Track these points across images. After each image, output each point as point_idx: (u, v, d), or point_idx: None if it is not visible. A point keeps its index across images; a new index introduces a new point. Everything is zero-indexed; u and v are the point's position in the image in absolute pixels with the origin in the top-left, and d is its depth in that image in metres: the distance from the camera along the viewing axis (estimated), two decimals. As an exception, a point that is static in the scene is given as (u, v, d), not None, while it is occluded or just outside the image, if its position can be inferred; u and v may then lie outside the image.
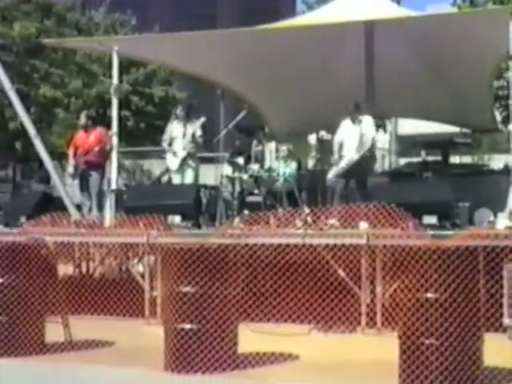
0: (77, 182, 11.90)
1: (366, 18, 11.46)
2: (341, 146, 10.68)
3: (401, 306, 5.90)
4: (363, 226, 7.55)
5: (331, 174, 10.76)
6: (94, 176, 11.56)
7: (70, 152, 11.97)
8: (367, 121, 10.52)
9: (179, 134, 11.45)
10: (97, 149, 11.55)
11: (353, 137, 10.45)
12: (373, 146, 10.82)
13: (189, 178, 11.47)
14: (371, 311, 6.98)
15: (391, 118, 22.31)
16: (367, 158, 10.61)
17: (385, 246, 6.85)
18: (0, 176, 27.68)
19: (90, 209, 11.41)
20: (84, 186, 11.63)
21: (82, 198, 11.64)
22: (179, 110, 11.76)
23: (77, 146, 11.88)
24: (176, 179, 11.53)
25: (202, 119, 11.48)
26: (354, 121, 10.53)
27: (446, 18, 12.62)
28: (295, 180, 11.92)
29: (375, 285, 6.97)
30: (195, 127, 11.44)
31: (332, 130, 11.32)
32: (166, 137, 11.70)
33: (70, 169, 11.86)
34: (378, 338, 6.77)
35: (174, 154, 11.40)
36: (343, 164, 10.53)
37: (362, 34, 12.26)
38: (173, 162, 11.51)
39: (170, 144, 11.55)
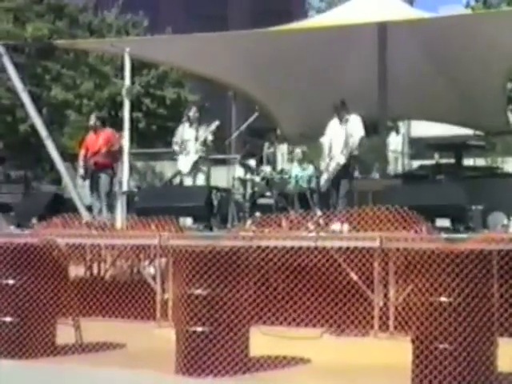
0: (87, 183, 11.92)
1: (379, 19, 11.42)
2: (330, 149, 10.35)
3: (414, 310, 5.87)
4: (336, 227, 7.56)
5: (323, 181, 10.48)
6: (103, 177, 11.57)
7: (81, 153, 12.01)
8: (354, 120, 10.16)
9: (191, 137, 11.42)
10: (104, 150, 11.59)
11: (340, 138, 10.11)
12: (360, 146, 10.37)
13: (200, 180, 11.45)
14: (384, 315, 6.95)
15: (404, 119, 22.27)
16: (353, 159, 10.24)
17: (398, 249, 6.81)
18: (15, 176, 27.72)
19: (100, 210, 11.42)
20: (93, 187, 11.65)
21: (92, 200, 11.65)
22: (193, 112, 11.71)
23: (87, 148, 11.94)
24: (187, 181, 11.51)
25: (215, 123, 11.43)
26: (340, 120, 10.21)
27: (460, 19, 12.56)
28: (316, 184, 11.85)
29: (388, 288, 6.94)
30: (207, 132, 11.40)
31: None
32: (177, 139, 11.65)
33: (81, 170, 11.91)
34: (390, 342, 6.74)
35: (186, 154, 11.37)
36: (331, 168, 10.22)
37: (375, 35, 12.22)
38: (184, 165, 11.48)
39: (182, 146, 11.51)
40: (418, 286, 5.84)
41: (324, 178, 10.37)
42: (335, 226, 7.80)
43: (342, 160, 9.97)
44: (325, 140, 10.38)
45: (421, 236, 6.95)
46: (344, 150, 9.96)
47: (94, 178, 11.65)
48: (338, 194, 10.05)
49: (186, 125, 11.65)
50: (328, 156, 10.28)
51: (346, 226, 7.68)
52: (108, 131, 12.02)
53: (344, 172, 10.08)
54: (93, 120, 12.18)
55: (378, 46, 12.35)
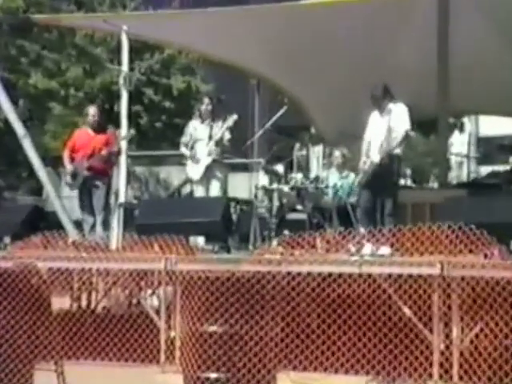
0: (76, 192, 11.87)
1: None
2: (369, 147, 10.20)
3: (484, 356, 5.84)
4: (385, 251, 7.55)
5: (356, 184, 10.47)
6: (100, 186, 11.48)
7: (66, 154, 11.79)
8: (398, 109, 9.87)
9: (204, 136, 11.45)
10: (104, 153, 11.43)
11: (380, 132, 9.88)
12: (404, 143, 10.20)
13: (215, 189, 11.47)
14: (446, 361, 6.91)
15: (470, 115, 22.24)
16: (393, 159, 9.96)
17: (463, 278, 6.79)
18: None
19: (93, 226, 11.39)
20: (86, 199, 11.58)
21: (83, 213, 11.62)
22: (205, 105, 11.73)
23: (77, 149, 11.70)
24: (199, 191, 11.53)
25: (233, 117, 11.44)
26: (382, 111, 10.04)
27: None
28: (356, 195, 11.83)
29: (451, 327, 6.91)
30: (224, 128, 11.42)
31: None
32: (185, 139, 11.68)
33: (68, 177, 11.71)
34: (454, 394, 6.72)
35: (197, 161, 11.40)
36: (365, 169, 10.10)
37: (434, 7, 12.21)
38: (195, 170, 11.51)
39: (192, 148, 11.54)
40: (490, 326, 5.81)
41: (357, 182, 10.36)
42: (367, 249, 7.80)
43: (376, 158, 9.83)
44: (365, 137, 10.28)
45: (492, 262, 6.92)
46: (384, 145, 9.79)
47: (86, 186, 11.54)
48: (384, 210, 9.93)
49: (198, 121, 11.68)
50: (366, 156, 10.18)
51: (386, 249, 7.67)
52: (109, 130, 11.90)
53: (384, 176, 9.93)
54: (93, 114, 11.88)
55: (437, 21, 12.32)
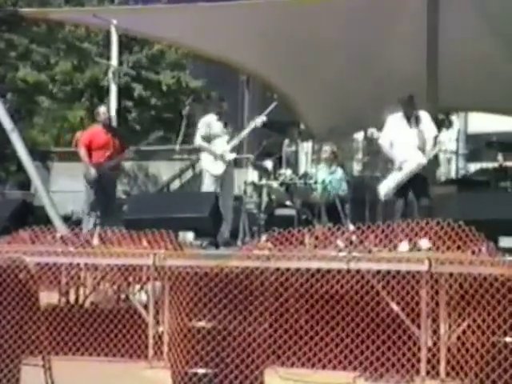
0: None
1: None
2: (400, 149, 10.59)
3: (471, 352, 5.86)
4: (404, 247, 7.58)
5: (389, 186, 10.61)
6: (115, 183, 11.65)
7: (84, 153, 11.98)
8: (425, 118, 10.62)
9: (223, 134, 11.45)
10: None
11: (411, 138, 10.50)
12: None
13: (230, 186, 11.51)
14: (433, 357, 6.93)
15: (459, 111, 22.26)
16: (430, 163, 10.65)
17: (451, 275, 6.80)
18: None
19: (95, 223, 11.41)
20: (98, 194, 11.61)
21: (89, 209, 11.60)
22: (223, 108, 11.75)
23: (94, 147, 11.83)
24: (212, 187, 11.46)
25: (262, 119, 11.46)
26: (409, 118, 10.52)
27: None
28: (344, 191, 11.89)
29: (439, 324, 6.93)
30: (249, 128, 11.52)
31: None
32: (202, 130, 11.57)
33: (93, 172, 11.79)
34: (441, 390, 6.73)
35: (220, 157, 11.35)
36: (404, 173, 10.41)
37: (424, 6, 12.22)
38: (216, 164, 11.45)
39: (209, 142, 11.50)
40: (477, 322, 5.83)
41: (389, 183, 10.53)
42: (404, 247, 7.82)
43: (423, 161, 10.46)
44: (384, 141, 10.63)
45: (480, 258, 6.94)
46: (424, 149, 10.48)
47: (101, 184, 11.61)
48: (419, 203, 10.50)
49: (214, 118, 11.60)
50: (390, 161, 10.59)
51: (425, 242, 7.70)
52: (117, 128, 12.18)
53: (422, 175, 10.55)
54: (104, 112, 12.11)
55: (427, 19, 12.34)
